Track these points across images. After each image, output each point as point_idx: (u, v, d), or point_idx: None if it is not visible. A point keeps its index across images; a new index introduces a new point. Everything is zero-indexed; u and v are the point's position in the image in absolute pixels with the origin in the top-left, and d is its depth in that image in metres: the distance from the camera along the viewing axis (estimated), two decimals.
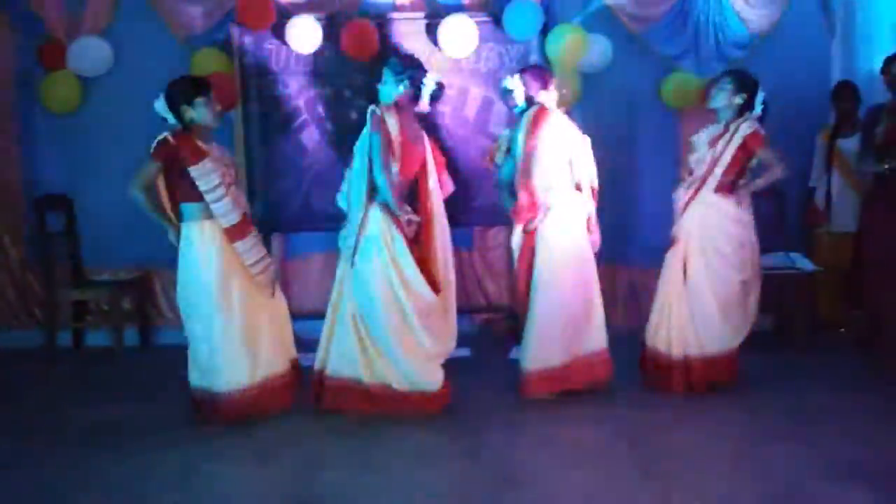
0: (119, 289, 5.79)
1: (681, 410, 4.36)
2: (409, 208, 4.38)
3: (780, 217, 5.79)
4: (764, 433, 4.03)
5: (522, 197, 4.56)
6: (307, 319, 5.32)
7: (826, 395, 4.55)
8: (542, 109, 4.58)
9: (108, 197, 5.92)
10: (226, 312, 4.17)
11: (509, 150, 4.69)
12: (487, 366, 5.32)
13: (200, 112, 4.21)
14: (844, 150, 5.68)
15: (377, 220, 4.27)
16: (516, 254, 4.69)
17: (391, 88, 4.35)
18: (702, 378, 4.56)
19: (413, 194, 4.45)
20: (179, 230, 4.23)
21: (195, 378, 4.27)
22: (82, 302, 5.96)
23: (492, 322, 6.31)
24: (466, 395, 4.57)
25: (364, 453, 3.86)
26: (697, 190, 4.58)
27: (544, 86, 4.62)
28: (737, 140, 4.50)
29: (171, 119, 4.22)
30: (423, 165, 4.44)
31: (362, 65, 5.65)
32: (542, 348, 4.48)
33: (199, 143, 4.19)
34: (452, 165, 5.80)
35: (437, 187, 4.48)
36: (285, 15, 5.70)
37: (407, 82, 4.32)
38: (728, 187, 4.55)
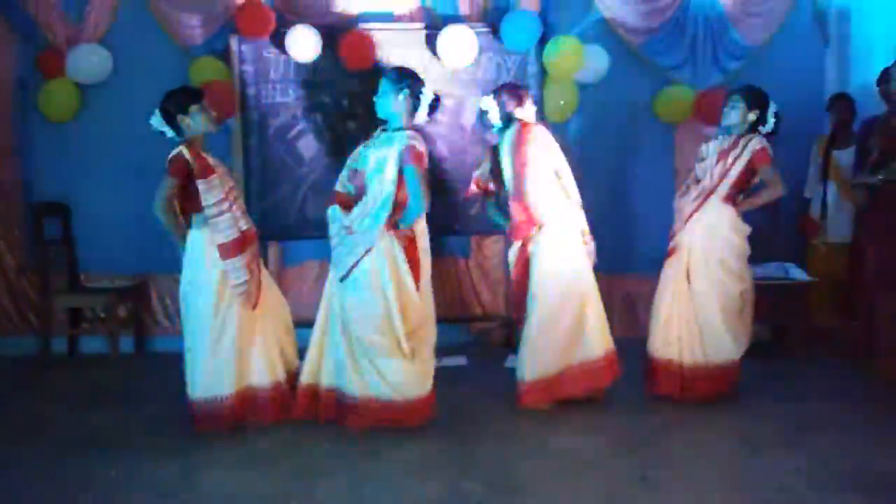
0: (115, 296, 5.78)
1: (677, 419, 4.37)
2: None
3: (775, 227, 5.79)
4: (760, 442, 4.03)
5: (518, 215, 4.54)
6: (303, 328, 5.30)
7: (822, 405, 4.56)
8: (524, 125, 4.55)
9: (106, 204, 5.96)
10: (219, 319, 4.16)
11: (492, 171, 4.66)
12: (483, 374, 5.32)
13: (196, 119, 4.21)
14: (840, 161, 5.71)
15: (390, 252, 4.14)
16: (512, 266, 4.69)
17: (390, 98, 4.27)
18: (706, 388, 4.56)
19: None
20: None
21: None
22: (78, 309, 5.94)
23: (487, 331, 6.32)
24: (462, 403, 4.57)
25: (361, 462, 3.85)
26: (704, 200, 4.58)
27: (520, 103, 4.60)
28: (746, 155, 4.52)
29: (168, 132, 4.23)
30: None
31: (360, 74, 5.68)
32: (538, 359, 4.47)
33: (208, 157, 4.21)
34: (450, 175, 5.86)
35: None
36: (284, 24, 5.72)
37: (406, 91, 4.28)
38: (731, 200, 4.57)
